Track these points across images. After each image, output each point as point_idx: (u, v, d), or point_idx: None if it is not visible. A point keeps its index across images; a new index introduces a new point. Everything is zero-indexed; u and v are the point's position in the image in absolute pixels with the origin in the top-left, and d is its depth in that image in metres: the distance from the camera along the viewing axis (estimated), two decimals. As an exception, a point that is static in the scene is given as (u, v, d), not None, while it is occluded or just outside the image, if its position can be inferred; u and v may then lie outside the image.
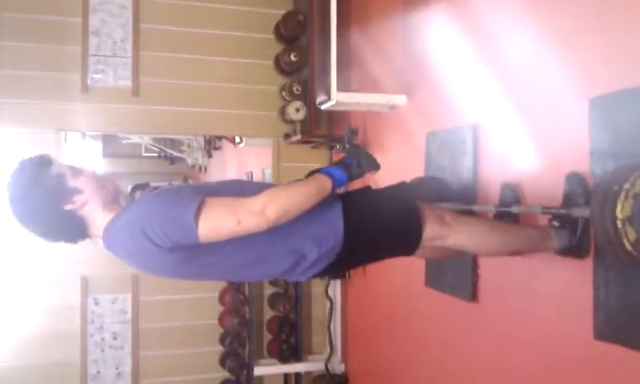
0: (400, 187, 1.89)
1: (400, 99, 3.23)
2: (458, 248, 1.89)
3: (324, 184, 1.60)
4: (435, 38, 2.97)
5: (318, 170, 1.67)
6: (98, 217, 1.56)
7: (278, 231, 1.55)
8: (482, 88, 2.56)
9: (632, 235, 1.47)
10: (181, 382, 4.11)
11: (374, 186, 1.93)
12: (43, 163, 1.54)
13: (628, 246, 1.48)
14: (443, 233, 1.81)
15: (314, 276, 1.75)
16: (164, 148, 7.19)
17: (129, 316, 4.02)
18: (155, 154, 7.55)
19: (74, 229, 1.57)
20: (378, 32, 3.64)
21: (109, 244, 1.56)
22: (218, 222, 1.47)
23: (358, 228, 1.70)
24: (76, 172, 1.56)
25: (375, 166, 1.75)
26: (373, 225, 1.74)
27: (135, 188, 1.64)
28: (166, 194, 1.55)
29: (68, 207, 1.53)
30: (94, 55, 3.96)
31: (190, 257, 1.54)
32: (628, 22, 1.79)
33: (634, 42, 1.77)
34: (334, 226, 1.68)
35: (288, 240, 1.63)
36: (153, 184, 4.98)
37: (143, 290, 4.04)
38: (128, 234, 1.49)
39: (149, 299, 4.06)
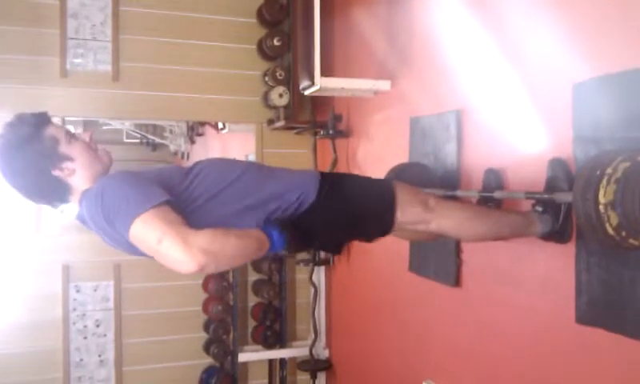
0: (379, 180, 1.89)
1: (384, 84, 3.21)
2: (442, 233, 1.90)
3: (262, 245, 1.47)
4: (420, 23, 2.96)
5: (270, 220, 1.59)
6: (84, 188, 1.54)
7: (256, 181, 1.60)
8: (466, 74, 2.56)
9: (614, 220, 1.47)
10: (165, 369, 4.09)
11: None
12: (40, 122, 1.53)
13: (610, 231, 1.49)
14: (426, 217, 1.81)
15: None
16: (146, 134, 7.11)
17: (111, 303, 3.99)
18: (137, 141, 7.46)
19: (56, 194, 1.55)
20: (362, 17, 3.62)
21: (82, 212, 1.54)
22: (149, 227, 1.33)
23: (332, 196, 1.69)
24: (71, 138, 1.55)
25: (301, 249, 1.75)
26: (348, 197, 1.74)
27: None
28: (136, 176, 1.48)
29: (56, 173, 1.51)
30: (73, 39, 3.88)
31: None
32: (612, 7, 1.79)
33: (617, 27, 1.77)
34: (309, 185, 1.68)
35: (267, 186, 1.63)
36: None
37: (126, 277, 4.00)
38: (94, 202, 1.44)
39: (131, 286, 4.03)
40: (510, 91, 2.27)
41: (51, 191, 1.54)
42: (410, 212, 1.79)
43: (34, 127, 1.51)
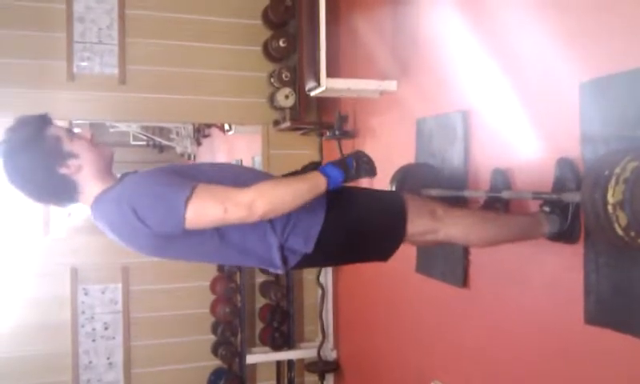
0: (390, 193, 1.86)
1: (390, 85, 3.20)
2: (450, 241, 1.90)
3: (318, 184, 1.57)
4: (426, 23, 2.95)
5: (315, 164, 1.65)
6: (91, 185, 1.56)
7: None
8: (472, 74, 2.55)
9: (623, 220, 1.47)
10: (173, 371, 4.10)
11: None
12: (42, 123, 1.55)
13: (619, 231, 1.48)
14: (435, 227, 1.81)
15: (293, 267, 1.73)
16: (152, 136, 7.14)
17: (119, 306, 4.00)
18: (143, 143, 7.49)
19: (65, 193, 1.57)
20: (368, 17, 3.61)
21: (96, 214, 1.56)
22: (205, 209, 1.46)
23: (339, 222, 1.69)
24: (72, 136, 1.57)
25: (373, 173, 1.71)
26: (356, 221, 1.73)
27: (124, 177, 1.62)
28: (159, 174, 1.55)
29: (62, 170, 1.53)
30: (80, 42, 3.89)
31: (173, 238, 1.52)
32: (619, 6, 1.78)
33: (625, 25, 1.76)
34: (315, 214, 1.66)
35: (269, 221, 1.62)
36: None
37: (134, 279, 4.01)
38: (117, 207, 1.48)
39: (139, 289, 4.04)
40: (517, 91, 2.25)
41: (59, 190, 1.56)
42: (418, 223, 1.79)
43: (36, 128, 1.53)
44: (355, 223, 1.73)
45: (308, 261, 1.71)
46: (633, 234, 1.48)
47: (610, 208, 1.47)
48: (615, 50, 1.79)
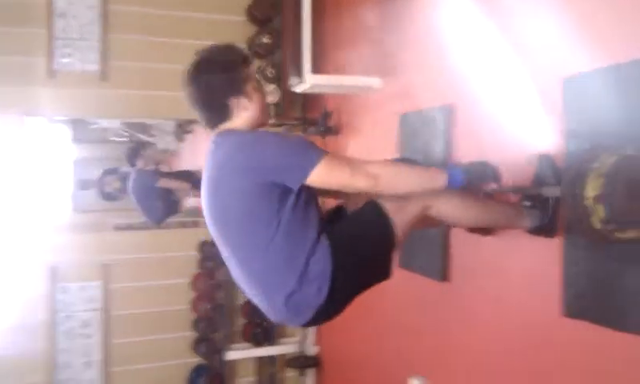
0: (365, 206, 1.82)
1: (374, 82, 3.22)
2: (441, 217, 1.89)
3: (437, 178, 1.71)
4: (410, 20, 2.97)
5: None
6: (238, 122, 1.73)
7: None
8: (456, 69, 2.57)
9: (601, 213, 1.49)
10: (153, 369, 4.08)
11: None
12: (246, 60, 1.77)
13: (597, 225, 1.51)
14: (427, 203, 1.81)
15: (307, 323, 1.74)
16: (134, 133, 7.06)
17: (98, 304, 3.97)
18: (126, 139, 7.39)
19: (218, 116, 1.74)
20: (353, 14, 3.63)
21: (217, 141, 1.71)
22: (336, 168, 1.62)
23: (345, 264, 1.69)
24: (258, 85, 1.79)
25: (496, 179, 1.82)
26: (357, 257, 1.72)
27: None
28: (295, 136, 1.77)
29: (231, 101, 1.71)
30: (61, 38, 3.85)
31: (272, 193, 1.61)
32: (601, 2, 1.82)
33: (606, 21, 1.80)
34: (324, 264, 1.66)
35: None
36: (123, 169, 4.84)
37: (114, 277, 3.98)
38: (248, 143, 1.65)
39: (120, 286, 4.02)
40: (500, 87, 2.29)
41: (216, 111, 1.73)
42: (405, 220, 1.77)
43: (241, 62, 1.74)
44: (355, 256, 1.72)
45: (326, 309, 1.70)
46: (610, 227, 1.50)
47: (588, 202, 1.50)
48: (597, 47, 1.83)
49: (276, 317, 1.75)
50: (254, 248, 1.65)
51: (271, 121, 3.97)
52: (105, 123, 6.20)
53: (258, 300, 1.75)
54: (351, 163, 1.66)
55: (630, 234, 1.52)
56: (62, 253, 3.86)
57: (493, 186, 1.81)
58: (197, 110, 1.75)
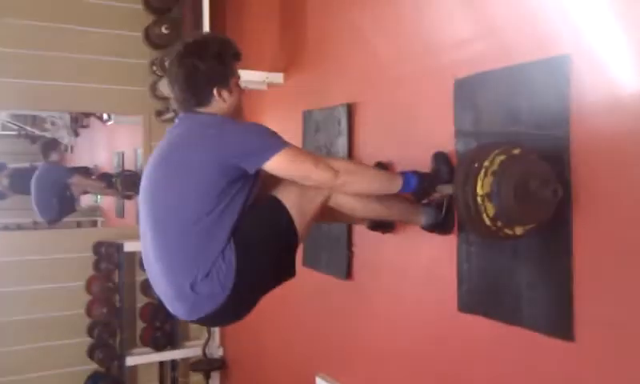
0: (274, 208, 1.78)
1: (277, 77, 3.18)
2: (339, 207, 1.88)
3: (394, 181, 1.78)
4: (312, 16, 2.94)
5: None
6: (211, 110, 1.76)
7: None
8: (356, 68, 2.57)
9: (491, 211, 1.52)
10: (44, 378, 3.81)
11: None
12: (237, 55, 1.81)
13: (487, 221, 1.53)
14: (327, 194, 1.81)
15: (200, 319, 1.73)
16: (24, 126, 6.59)
17: (-22, 310, 3.65)
18: (14, 133, 6.91)
19: (197, 102, 1.75)
20: (255, 8, 3.55)
21: (183, 119, 1.78)
22: (299, 158, 1.68)
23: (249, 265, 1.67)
24: (239, 82, 1.83)
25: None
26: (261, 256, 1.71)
27: None
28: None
29: (214, 91, 1.74)
30: None
31: (228, 174, 1.63)
32: (492, 5, 1.86)
33: (496, 25, 1.85)
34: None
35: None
36: (11, 166, 4.50)
37: (-3, 280, 3.68)
38: (213, 124, 1.71)
39: (5, 291, 3.72)
40: (398, 86, 2.30)
41: (198, 95, 1.74)
42: (307, 216, 1.76)
43: (232, 55, 1.79)
44: (258, 255, 1.69)
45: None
46: (499, 223, 1.53)
47: (479, 199, 1.52)
48: (488, 48, 1.87)
49: (175, 305, 1.71)
50: (179, 223, 1.64)
51: (170, 115, 3.82)
52: (-11, 114, 5.73)
53: (160, 283, 1.71)
54: (313, 156, 1.73)
55: (518, 230, 1.56)
56: None
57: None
58: (176, 90, 1.76)
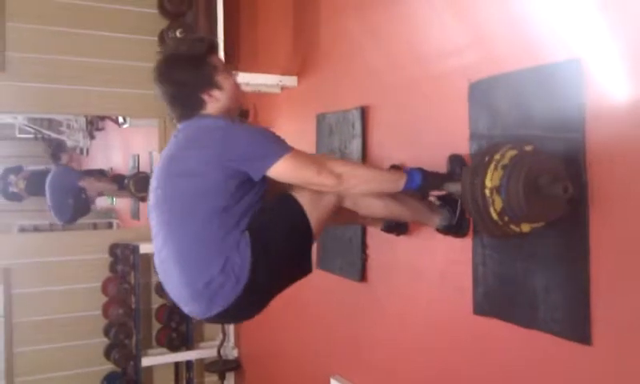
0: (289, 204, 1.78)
1: (290, 80, 3.19)
2: (355, 207, 1.88)
3: (397, 180, 1.74)
4: (325, 19, 2.95)
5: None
6: (212, 112, 1.74)
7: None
8: (371, 72, 2.58)
9: (498, 204, 1.51)
10: (63, 378, 3.85)
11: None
12: (210, 48, 1.75)
13: (494, 215, 1.52)
14: (340, 197, 1.80)
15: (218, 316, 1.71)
16: (41, 129, 6.68)
17: (0, 311, 3.69)
18: (31, 136, 7.00)
19: (191, 111, 1.73)
20: (269, 11, 3.57)
21: (188, 124, 1.73)
22: (301, 165, 1.66)
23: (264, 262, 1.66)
24: (228, 72, 1.78)
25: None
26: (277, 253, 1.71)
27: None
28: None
29: (204, 96, 1.71)
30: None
31: (230, 179, 1.62)
32: (505, 10, 1.86)
33: (509, 28, 1.84)
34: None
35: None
36: (28, 168, 4.58)
37: (16, 282, 3.72)
38: (218, 127, 1.67)
39: (23, 292, 3.75)
40: (412, 89, 2.30)
41: (189, 106, 1.73)
42: (322, 213, 1.76)
43: (205, 50, 1.73)
44: (274, 251, 1.69)
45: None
46: (506, 218, 1.52)
47: (487, 192, 1.51)
48: (502, 52, 1.87)
49: (190, 305, 1.70)
50: (191, 223, 1.63)
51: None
52: (8, 118, 5.81)
53: (174, 284, 1.71)
54: (316, 161, 1.70)
55: (525, 227, 1.55)
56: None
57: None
58: (169, 107, 1.75)
